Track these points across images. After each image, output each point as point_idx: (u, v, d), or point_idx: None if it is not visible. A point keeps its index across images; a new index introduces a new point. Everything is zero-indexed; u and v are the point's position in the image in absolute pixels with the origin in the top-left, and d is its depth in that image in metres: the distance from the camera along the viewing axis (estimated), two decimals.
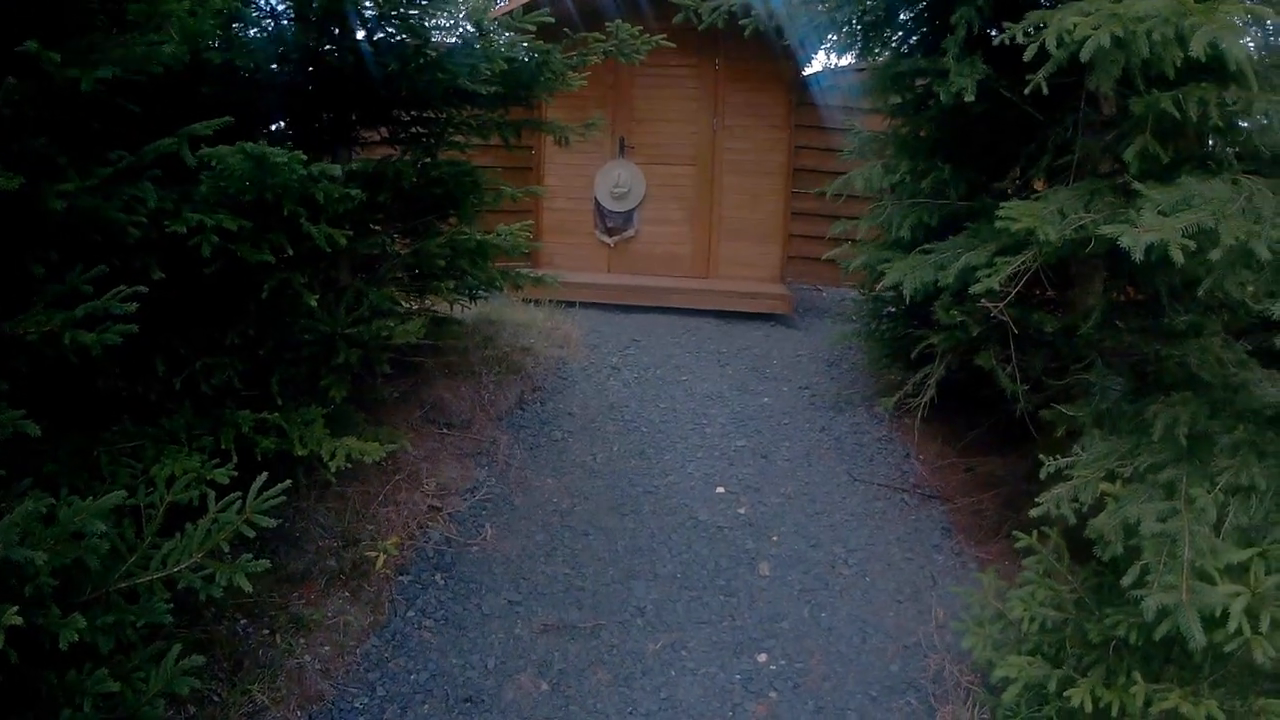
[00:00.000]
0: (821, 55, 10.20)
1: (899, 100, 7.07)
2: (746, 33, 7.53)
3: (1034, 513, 4.33)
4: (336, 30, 5.09)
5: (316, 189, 4.15)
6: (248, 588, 3.37)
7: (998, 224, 4.56)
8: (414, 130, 6.16)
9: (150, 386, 4.26)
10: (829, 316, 10.00)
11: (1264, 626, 3.29)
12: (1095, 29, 4.10)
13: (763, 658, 4.88)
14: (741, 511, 6.17)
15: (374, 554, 5.03)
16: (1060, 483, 4.31)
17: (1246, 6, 4.07)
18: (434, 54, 5.21)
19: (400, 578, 5.10)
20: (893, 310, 7.65)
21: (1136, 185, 4.22)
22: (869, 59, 7.25)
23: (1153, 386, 4.74)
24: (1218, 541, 3.61)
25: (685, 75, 10.49)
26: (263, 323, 4.71)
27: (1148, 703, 3.65)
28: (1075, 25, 4.16)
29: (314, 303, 4.62)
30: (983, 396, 6.30)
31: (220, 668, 4.12)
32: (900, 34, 7.00)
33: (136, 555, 3.29)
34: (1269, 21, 4.89)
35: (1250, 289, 4.23)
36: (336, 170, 4.21)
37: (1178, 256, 3.61)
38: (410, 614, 4.89)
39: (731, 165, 10.68)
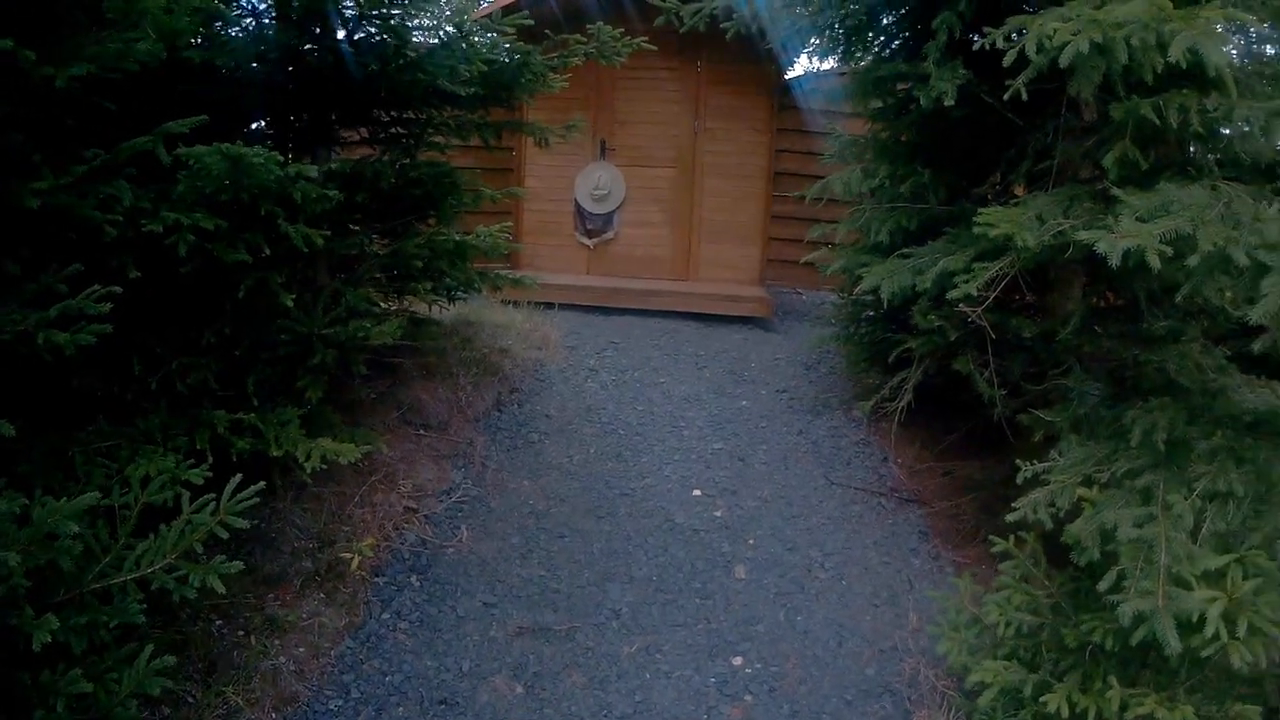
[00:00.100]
0: (804, 59, 10.25)
1: (880, 104, 7.09)
2: (728, 35, 7.55)
3: (1011, 518, 4.34)
4: (317, 29, 5.08)
5: (294, 189, 4.13)
6: (221, 589, 3.36)
7: (976, 230, 4.57)
8: (393, 131, 6.14)
9: (126, 386, 4.24)
10: (808, 320, 10.03)
11: (1241, 631, 3.30)
12: (1075, 35, 4.11)
13: (738, 661, 4.88)
14: (718, 514, 6.17)
15: (349, 555, 5.01)
16: (1037, 488, 4.33)
17: (1228, 13, 4.09)
18: (414, 54, 5.19)
19: (376, 579, 5.08)
20: (871, 314, 7.66)
21: (1115, 191, 4.23)
22: (851, 63, 7.27)
23: (1131, 392, 4.76)
24: (1195, 547, 3.62)
25: (667, 78, 10.49)
26: (239, 323, 4.69)
27: (1123, 708, 3.66)
28: (1055, 31, 4.17)
29: (290, 303, 4.60)
30: (961, 401, 6.31)
31: (195, 669, 4.09)
32: (882, 38, 7.02)
33: (110, 556, 3.27)
34: (1252, 29, 4.93)
35: (1229, 295, 4.25)
36: (313, 171, 4.20)
37: (1154, 262, 3.62)
38: (385, 616, 4.87)
39: (712, 168, 10.69)
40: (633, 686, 4.64)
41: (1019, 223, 4.44)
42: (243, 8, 5.14)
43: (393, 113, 6.03)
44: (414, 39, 5.25)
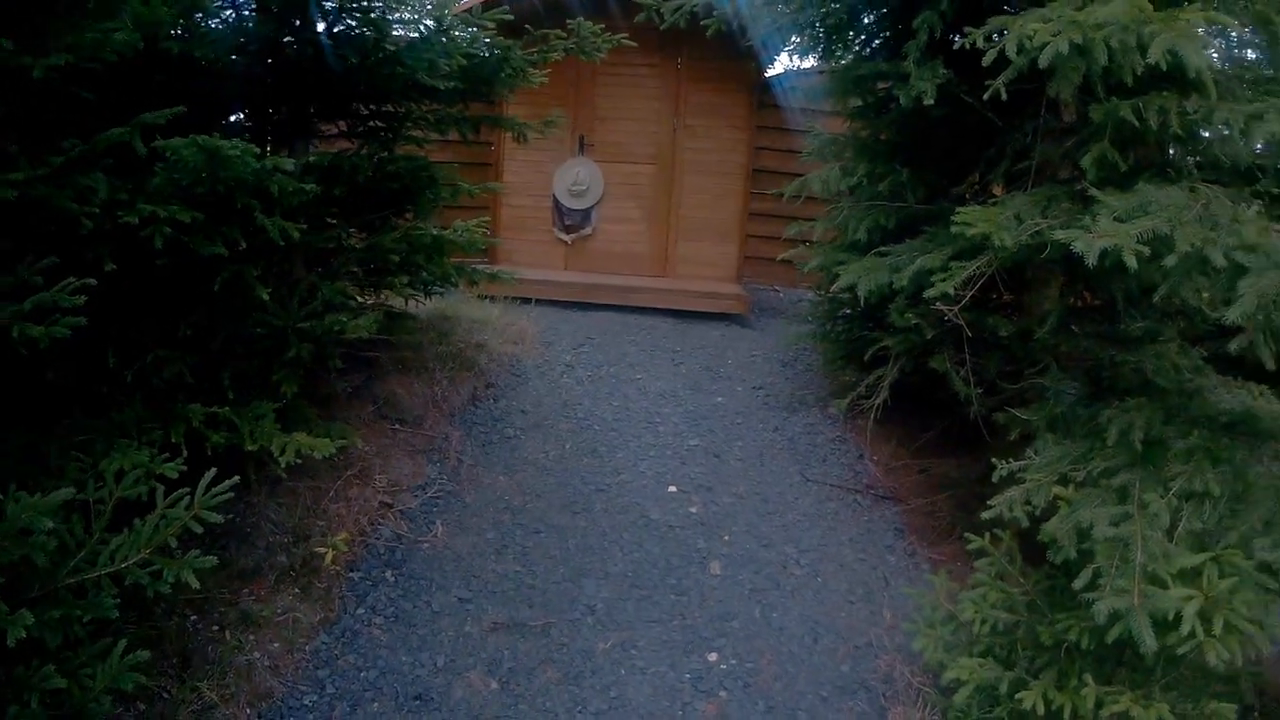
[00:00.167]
0: (784, 57, 10.22)
1: (859, 103, 7.12)
2: (709, 33, 7.56)
3: (987, 515, 4.37)
4: (297, 22, 5.05)
5: (271, 182, 4.11)
6: (195, 584, 3.35)
7: (953, 229, 4.59)
8: (372, 124, 6.11)
9: (101, 379, 4.21)
10: (785, 317, 10.04)
11: (1218, 629, 3.32)
12: (1055, 35, 4.14)
13: (713, 657, 4.89)
14: (693, 510, 6.18)
15: (324, 550, 4.99)
16: (1013, 486, 4.35)
17: (1208, 15, 4.12)
18: (393, 48, 5.17)
19: (350, 574, 5.07)
20: (848, 312, 7.69)
21: (1093, 192, 4.26)
22: (831, 62, 7.28)
23: (1107, 392, 4.79)
24: (1171, 546, 3.65)
25: (647, 74, 10.48)
26: (215, 316, 4.66)
27: (1099, 705, 3.70)
28: (1035, 31, 4.20)
29: (266, 296, 4.57)
30: (937, 399, 6.35)
31: (169, 664, 4.07)
32: (863, 37, 7.04)
33: (85, 551, 3.25)
34: (1232, 32, 4.96)
35: (1206, 295, 4.28)
36: (289, 164, 4.18)
37: (1131, 262, 3.64)
38: (360, 611, 4.86)
39: (691, 165, 10.69)
40: (607, 682, 4.64)
41: (997, 222, 4.46)
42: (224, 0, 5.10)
43: (371, 106, 6.00)
44: (394, 33, 5.23)
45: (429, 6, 5.41)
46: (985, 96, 4.66)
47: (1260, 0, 4.74)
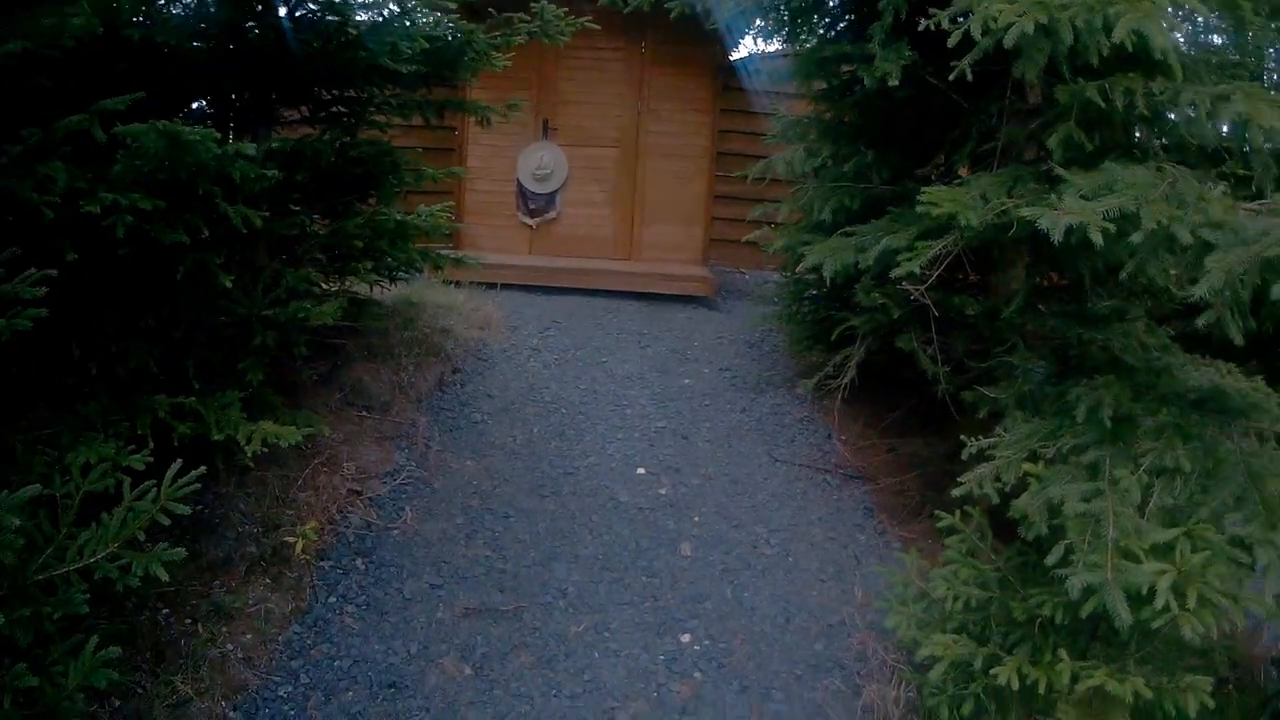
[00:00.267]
0: (748, 40, 10.24)
1: (824, 85, 7.13)
2: (673, 16, 7.54)
3: (956, 492, 4.41)
4: (259, 6, 4.99)
5: (233, 168, 4.05)
6: (164, 576, 3.31)
7: (919, 209, 4.61)
8: (334, 110, 6.06)
9: (66, 372, 4.16)
10: (751, 299, 10.05)
11: (1191, 603, 3.34)
12: (1020, 16, 4.15)
13: (686, 638, 4.90)
14: (662, 492, 6.19)
15: (294, 539, 4.96)
16: (983, 463, 4.39)
17: None
18: (355, 32, 5.13)
19: (321, 563, 5.04)
20: (814, 293, 7.71)
21: (1059, 171, 4.28)
22: (795, 45, 7.29)
23: (1075, 370, 4.83)
24: (1142, 522, 3.68)
25: (611, 58, 10.44)
26: (179, 305, 4.61)
27: (1074, 680, 3.72)
28: (1000, 12, 4.21)
29: (230, 284, 4.52)
30: (904, 378, 6.38)
31: (142, 659, 4.04)
32: (827, 20, 7.06)
33: (53, 547, 3.21)
34: (1199, 17, 5.00)
35: (1173, 274, 4.32)
36: (251, 149, 4.12)
37: (1097, 239, 3.67)
38: (332, 600, 4.83)
39: (655, 148, 10.67)
40: (581, 666, 4.64)
41: (962, 202, 4.48)
42: None
43: (334, 91, 5.94)
44: (356, 17, 5.19)
45: None
46: (950, 78, 4.67)
47: None
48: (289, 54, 5.04)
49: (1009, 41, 4.18)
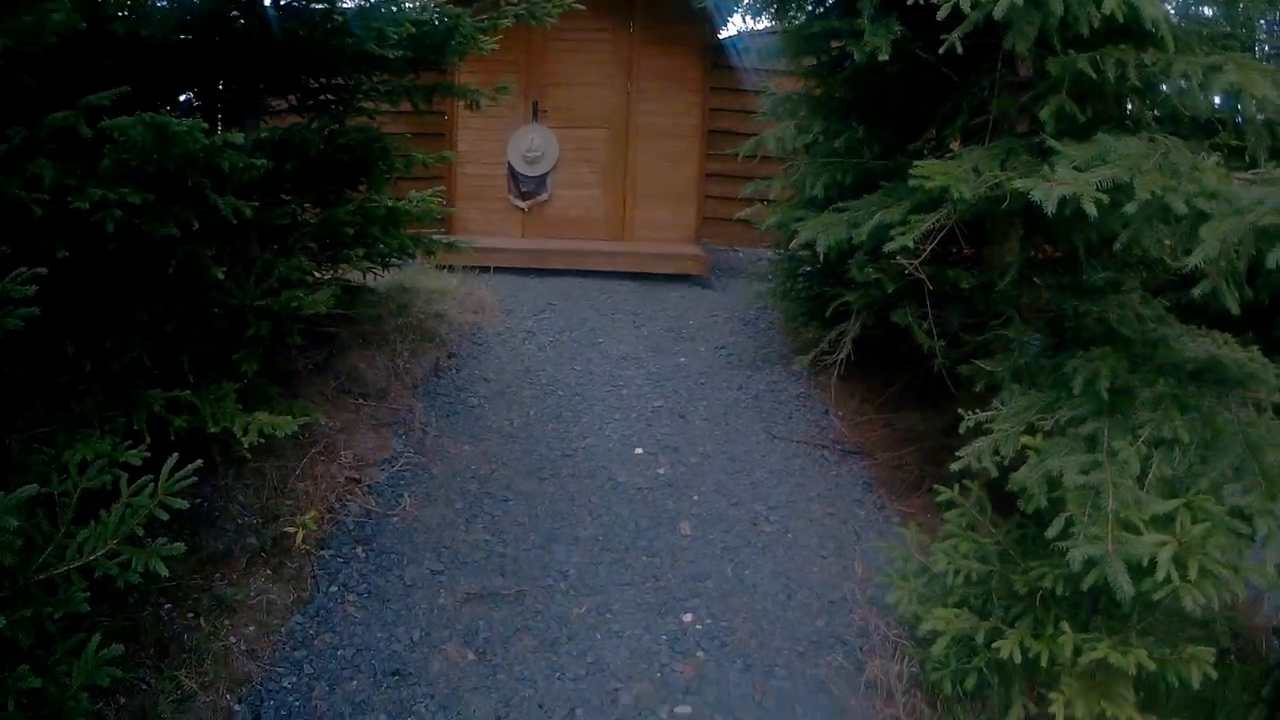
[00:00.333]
0: (737, 18, 10.19)
1: (814, 62, 7.10)
2: None
3: (955, 466, 4.40)
4: None
5: (221, 158, 4.03)
6: (164, 571, 3.30)
7: (911, 183, 4.59)
8: (322, 98, 6.03)
9: (59, 369, 4.15)
10: (745, 277, 10.05)
11: (1193, 574, 3.34)
12: None
13: (688, 617, 4.91)
14: (661, 472, 6.20)
15: (293, 530, 4.95)
16: (981, 436, 4.38)
17: None
18: (341, 18, 5.09)
19: (321, 552, 5.04)
20: (808, 269, 7.70)
21: (1052, 143, 4.27)
22: (784, 21, 7.25)
23: (1071, 342, 4.82)
24: (1142, 493, 3.67)
25: (599, 39, 10.41)
26: (171, 298, 4.60)
27: (1077, 652, 3.72)
28: None
29: (222, 275, 4.51)
30: (900, 353, 6.38)
31: (146, 654, 4.03)
32: None
33: (52, 546, 3.20)
34: None
35: (1167, 244, 4.32)
36: (239, 138, 4.09)
37: (1091, 209, 3.66)
38: (333, 589, 4.83)
39: (646, 128, 10.66)
40: (584, 648, 4.65)
41: (955, 175, 4.46)
42: None
43: (321, 79, 5.91)
44: (342, 3, 5.15)
45: None
46: (940, 51, 4.65)
47: None
48: (275, 43, 5.01)
49: (999, 14, 4.17)
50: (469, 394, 6.98)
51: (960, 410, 4.58)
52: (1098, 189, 3.69)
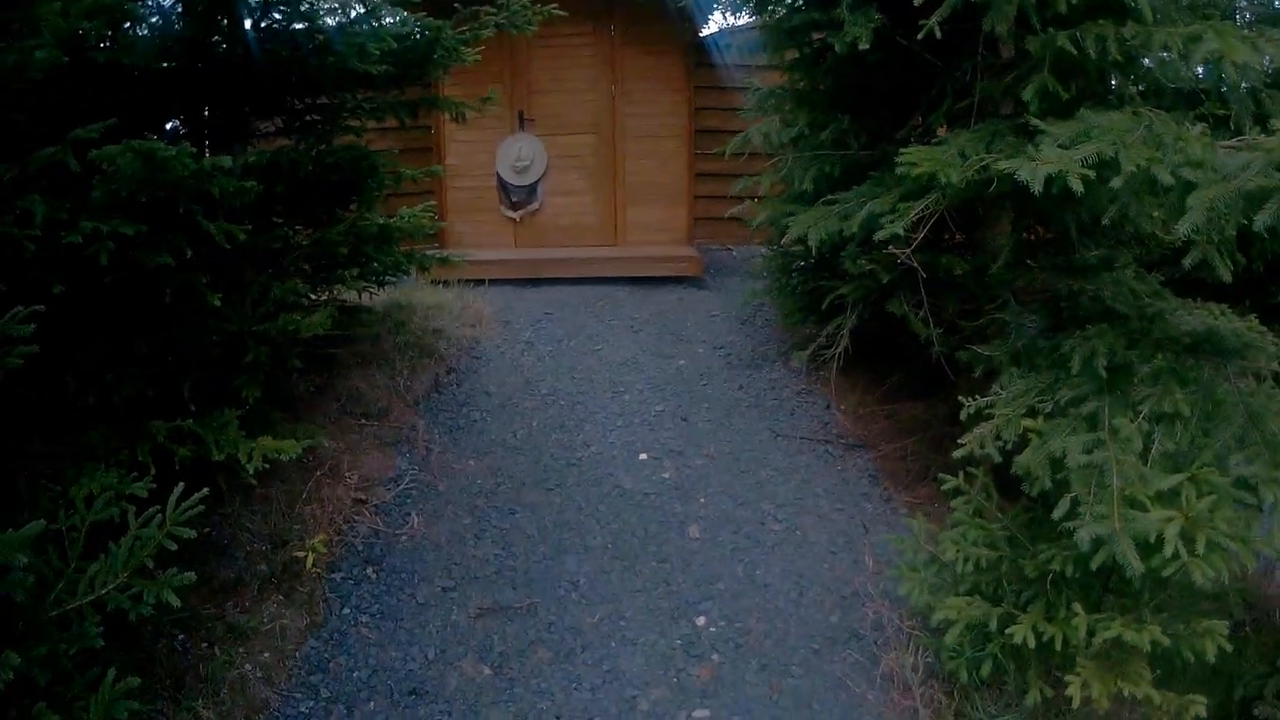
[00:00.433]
0: (717, 15, 10.17)
1: (796, 55, 7.07)
2: None
3: (958, 454, 4.40)
4: (224, 20, 4.96)
5: (211, 184, 4.04)
6: (176, 602, 3.31)
7: (899, 170, 4.59)
8: (308, 118, 6.02)
9: (61, 404, 4.14)
10: (740, 275, 10.03)
11: (1201, 549, 3.34)
12: None
13: (701, 620, 4.91)
14: (666, 476, 6.19)
15: (303, 554, 4.95)
16: (982, 422, 4.37)
17: None
18: (323, 37, 5.10)
19: (332, 575, 5.04)
20: (802, 264, 7.68)
21: (1036, 123, 4.27)
22: (764, 15, 7.24)
23: (1068, 322, 4.81)
24: (1146, 469, 3.67)
25: (581, 44, 10.40)
26: (169, 328, 4.59)
27: (1091, 633, 3.72)
28: None
29: (218, 302, 4.50)
30: (898, 343, 6.37)
31: (162, 686, 4.03)
32: None
33: (63, 581, 3.20)
34: None
35: (1156, 215, 4.32)
36: (227, 161, 4.09)
37: (1077, 185, 3.66)
38: (346, 611, 4.83)
39: (633, 131, 10.64)
40: (599, 656, 4.65)
41: (942, 160, 4.46)
42: (148, 5, 4.99)
43: (306, 99, 5.91)
44: (322, 23, 5.16)
45: None
46: (919, 37, 4.66)
47: None
48: (258, 65, 5.02)
49: None
50: (471, 408, 6.97)
51: (961, 397, 4.57)
52: (1083, 165, 3.69)
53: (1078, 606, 3.82)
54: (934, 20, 4.54)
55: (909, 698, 4.33)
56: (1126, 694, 3.69)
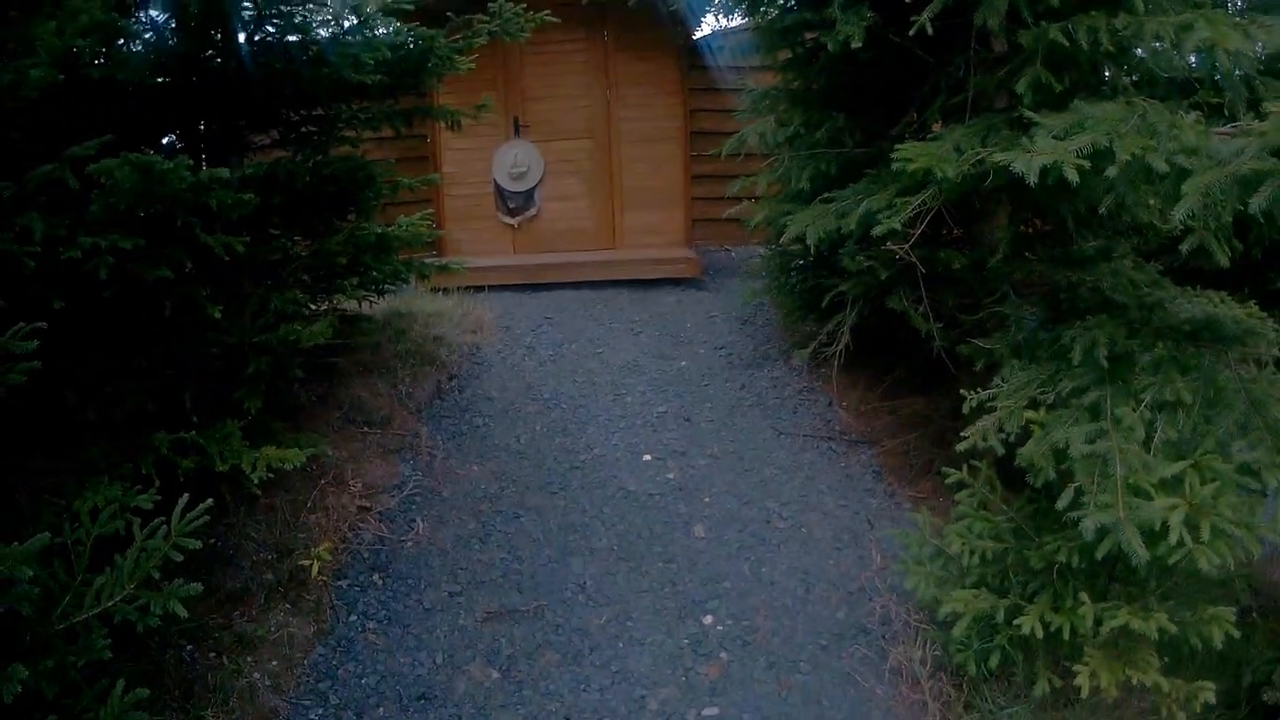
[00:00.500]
0: (709, 17, 10.18)
1: (789, 55, 7.08)
2: (632, 2, 7.51)
3: (961, 447, 4.40)
4: (217, 34, 4.97)
5: (209, 197, 4.04)
6: (183, 613, 3.31)
7: (895, 166, 4.60)
8: (304, 130, 6.03)
9: (64, 419, 4.15)
10: (738, 275, 10.02)
11: (1205, 535, 3.35)
12: None
13: (709, 619, 4.91)
14: (670, 477, 6.20)
15: (309, 562, 4.95)
16: (984, 415, 4.37)
17: None
18: (316, 48, 5.12)
19: (338, 583, 5.04)
20: (800, 262, 7.67)
21: (1030, 115, 4.27)
22: (757, 16, 7.24)
23: (1068, 313, 4.81)
24: (1149, 457, 3.68)
25: (575, 50, 10.41)
26: (170, 341, 4.60)
27: (1098, 622, 3.73)
28: None
29: (218, 314, 4.51)
30: (899, 339, 6.38)
31: (171, 696, 4.03)
32: None
33: (70, 594, 3.21)
34: None
35: (1152, 203, 4.32)
36: (225, 173, 4.10)
37: (1072, 176, 3.66)
38: (353, 618, 4.84)
39: (628, 135, 10.65)
40: (607, 658, 4.66)
41: (937, 155, 4.47)
42: (141, 21, 5.01)
43: (301, 111, 5.92)
44: (316, 35, 5.17)
45: (348, 4, 5.35)
46: (911, 33, 4.66)
47: None
48: (253, 78, 5.03)
49: None
50: (473, 414, 6.98)
51: (962, 391, 4.57)
52: (1078, 156, 3.70)
53: (1084, 596, 3.82)
54: (925, 16, 4.55)
55: (918, 691, 4.34)
56: (1135, 682, 3.70)
